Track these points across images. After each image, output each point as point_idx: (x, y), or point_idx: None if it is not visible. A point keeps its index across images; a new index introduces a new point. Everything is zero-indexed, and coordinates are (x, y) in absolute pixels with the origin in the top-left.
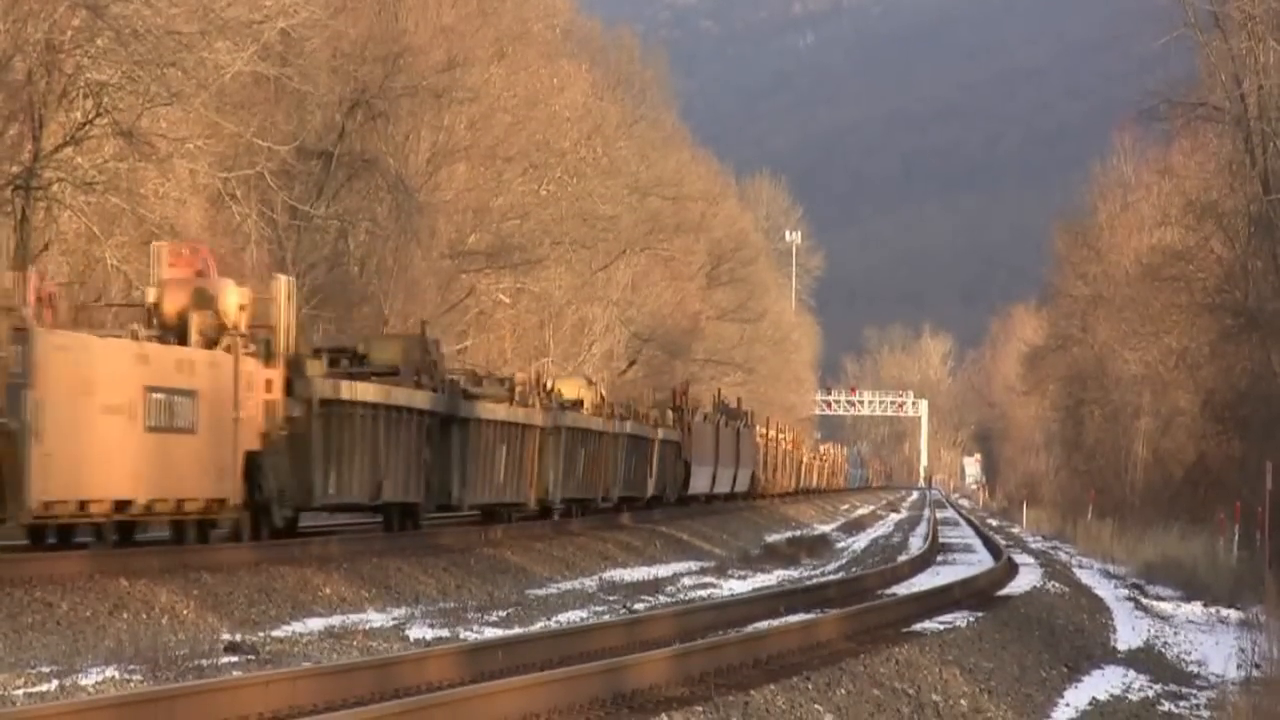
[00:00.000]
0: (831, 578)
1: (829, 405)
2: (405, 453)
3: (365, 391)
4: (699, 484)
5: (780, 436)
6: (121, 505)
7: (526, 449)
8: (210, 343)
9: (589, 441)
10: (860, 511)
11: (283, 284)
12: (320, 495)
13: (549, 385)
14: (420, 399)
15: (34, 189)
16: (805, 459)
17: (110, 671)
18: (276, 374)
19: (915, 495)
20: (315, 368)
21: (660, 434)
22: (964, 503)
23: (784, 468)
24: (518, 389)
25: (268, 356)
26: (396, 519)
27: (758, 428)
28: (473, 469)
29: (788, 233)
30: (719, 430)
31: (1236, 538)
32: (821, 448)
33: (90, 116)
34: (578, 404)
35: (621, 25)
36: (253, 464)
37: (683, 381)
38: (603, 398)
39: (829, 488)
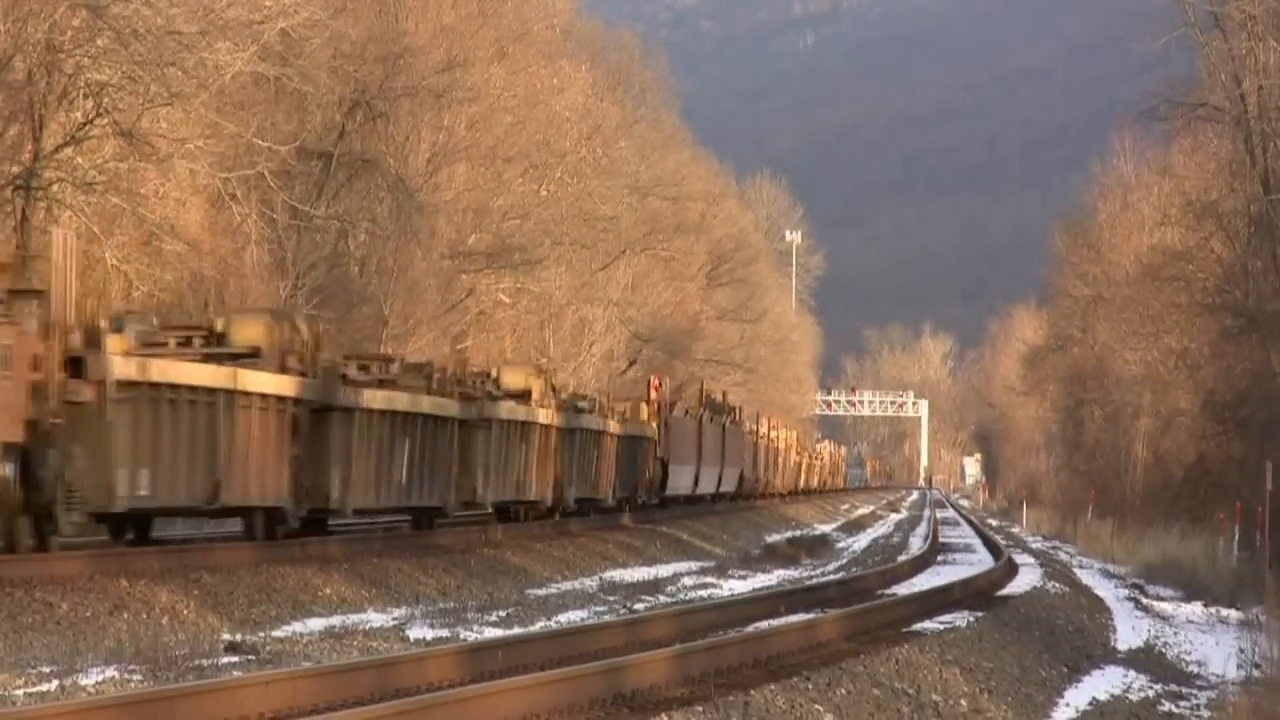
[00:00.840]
0: (832, 578)
1: (829, 406)
2: (262, 447)
3: (195, 374)
4: (678, 484)
5: (773, 433)
6: None
7: (440, 445)
8: None
9: (528, 437)
10: (860, 512)
11: (58, 239)
12: (127, 497)
13: (493, 373)
14: (284, 385)
15: (34, 189)
16: (800, 458)
17: (110, 671)
18: (50, 349)
19: (915, 495)
20: (116, 344)
21: (623, 429)
22: (964, 503)
23: (777, 466)
24: (436, 376)
25: (42, 328)
26: (260, 526)
27: (748, 424)
28: (359, 468)
29: (788, 233)
30: (702, 426)
31: (1236, 538)
32: (818, 446)
33: (90, 117)
34: (524, 394)
35: (622, 26)
36: (24, 459)
37: (658, 372)
38: (553, 388)
39: (826, 488)
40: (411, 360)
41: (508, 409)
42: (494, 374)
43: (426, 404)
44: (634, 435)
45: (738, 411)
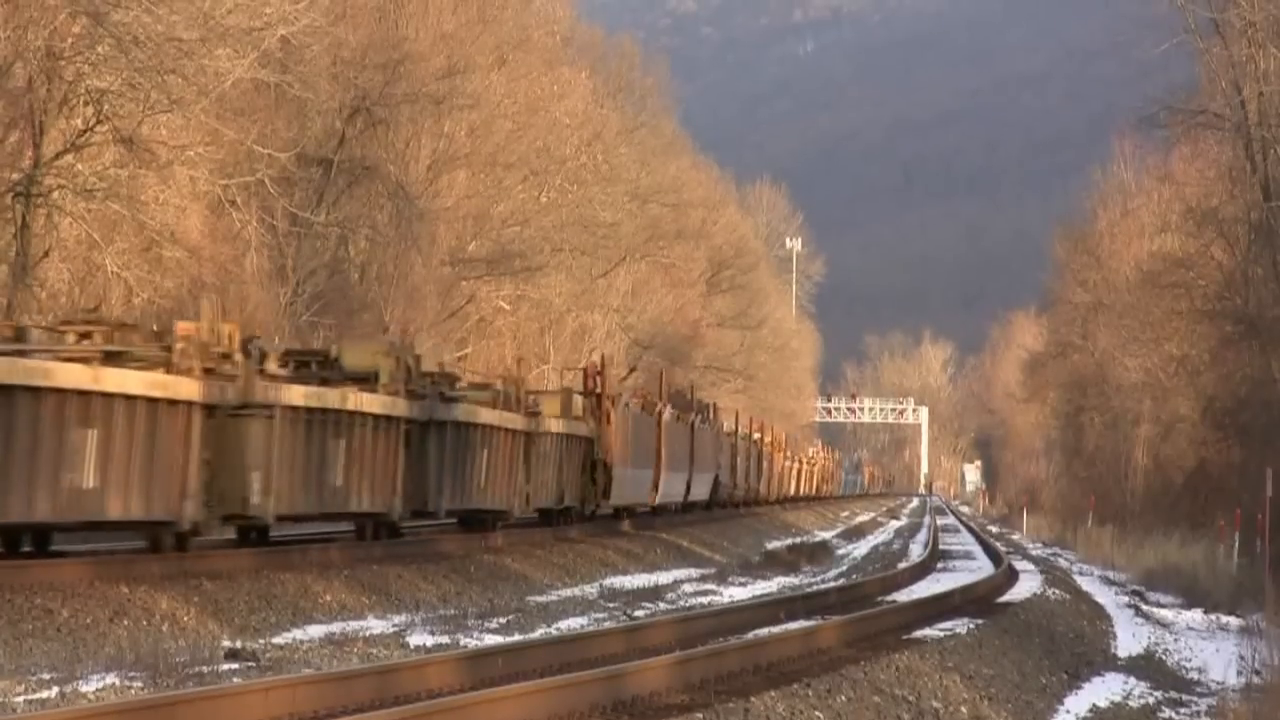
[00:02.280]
0: (832, 584)
1: (829, 412)
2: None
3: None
4: (628, 492)
5: (756, 435)
6: None
7: (173, 439)
8: None
9: (353, 431)
10: (860, 519)
11: None
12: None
13: (332, 351)
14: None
15: (34, 196)
16: (790, 462)
17: (111, 678)
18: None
19: (915, 502)
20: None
21: (533, 424)
22: (964, 509)
23: (762, 472)
24: (178, 346)
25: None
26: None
27: (725, 423)
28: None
29: (788, 239)
30: (662, 424)
31: (1237, 544)
32: (811, 450)
33: (91, 123)
34: (367, 377)
35: (622, 32)
36: None
37: (596, 360)
38: (410, 369)
39: (819, 495)
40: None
41: (305, 394)
42: (333, 352)
43: (164, 387)
44: (557, 433)
45: (712, 410)
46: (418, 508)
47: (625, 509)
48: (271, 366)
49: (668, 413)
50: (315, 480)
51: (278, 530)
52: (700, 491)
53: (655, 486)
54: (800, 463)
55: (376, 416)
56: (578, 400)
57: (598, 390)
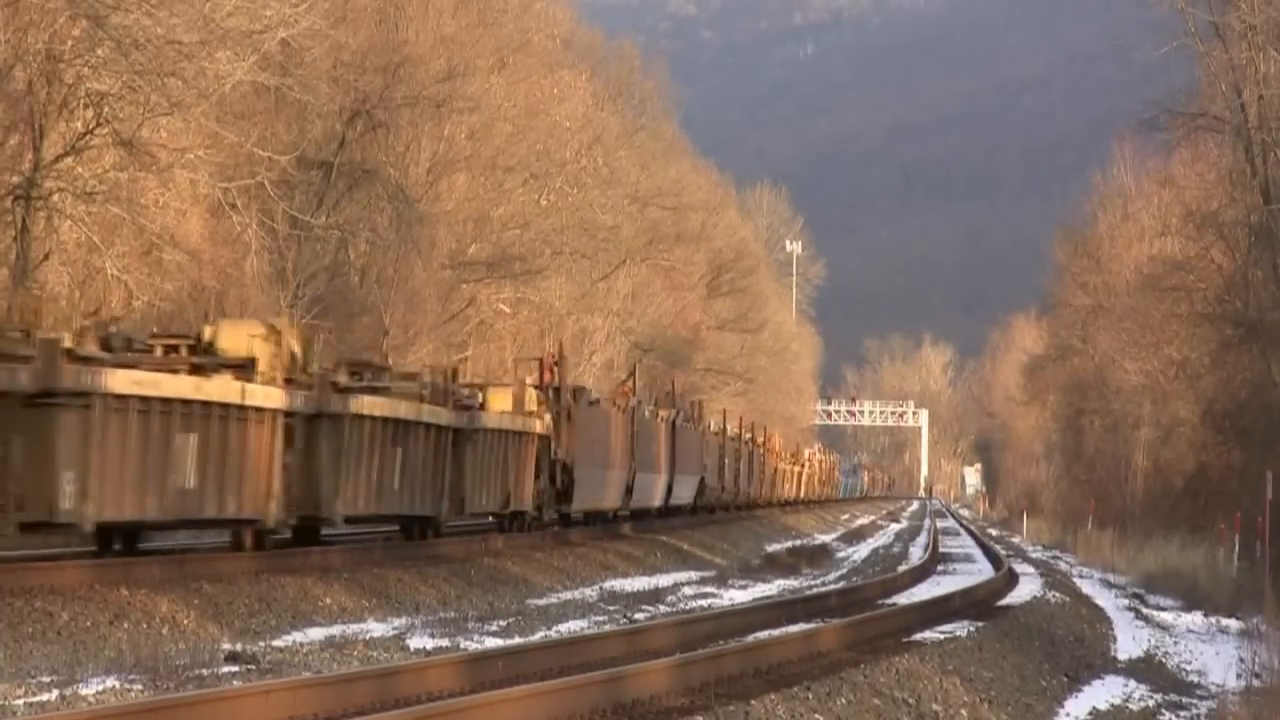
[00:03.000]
0: (832, 587)
1: (830, 415)
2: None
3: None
4: (592, 495)
5: (747, 436)
6: None
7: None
8: None
9: (208, 425)
10: (860, 521)
11: None
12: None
13: (206, 334)
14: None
15: (34, 199)
16: (784, 464)
17: (111, 681)
18: None
19: (915, 505)
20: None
21: (464, 420)
22: (964, 512)
23: (753, 475)
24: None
25: None
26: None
27: (711, 422)
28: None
29: (788, 242)
30: (636, 422)
31: (1237, 547)
32: (807, 452)
33: (91, 126)
34: (245, 364)
35: (622, 36)
36: None
37: (553, 350)
38: (296, 355)
39: (815, 498)
40: None
41: (127, 381)
42: (207, 335)
43: None
44: (499, 430)
45: (696, 408)
46: (308, 513)
47: (595, 514)
48: (90, 348)
49: (640, 410)
50: (155, 481)
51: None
52: (683, 495)
53: (628, 489)
54: (796, 465)
55: (239, 408)
56: (531, 394)
57: (556, 384)
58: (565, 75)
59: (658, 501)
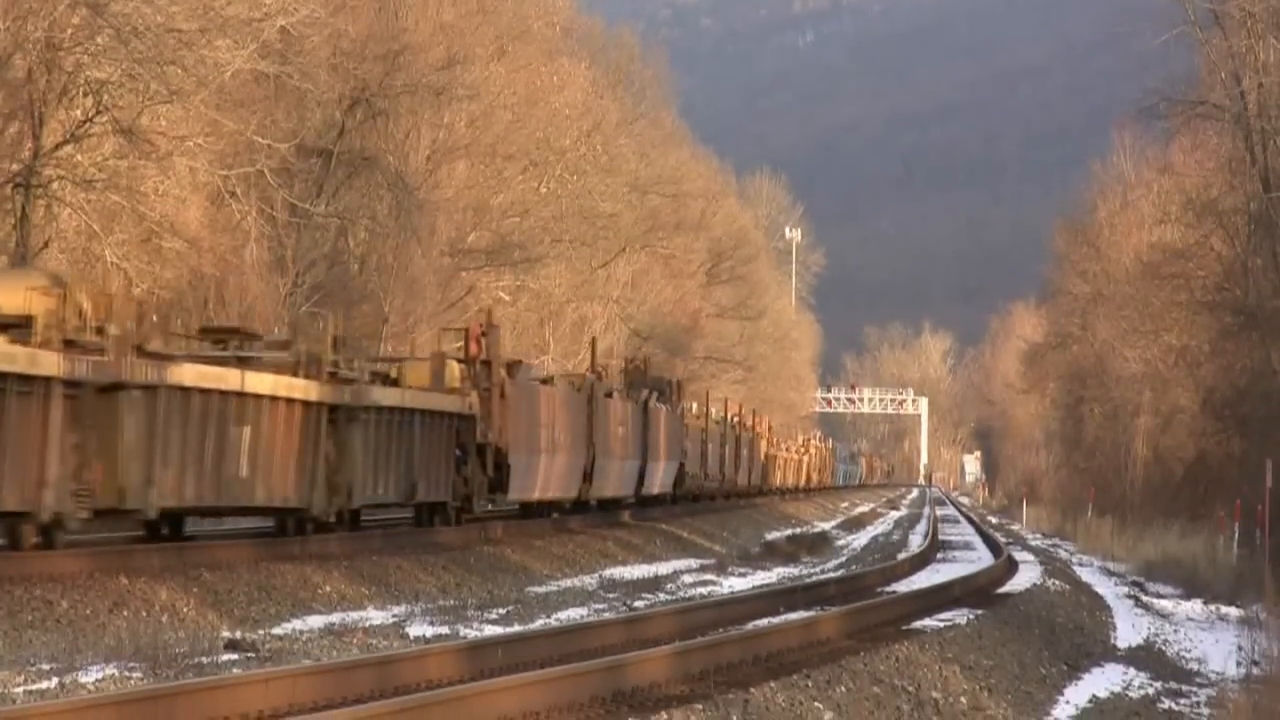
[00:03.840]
0: (831, 575)
1: (829, 403)
2: None
3: None
4: (532, 484)
5: (734, 419)
6: None
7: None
8: None
9: None
10: (860, 509)
11: None
12: None
13: None
14: None
15: (34, 187)
16: (776, 451)
17: (110, 669)
18: None
19: (915, 493)
20: None
21: (342, 395)
22: (964, 500)
23: (741, 461)
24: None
25: None
26: None
27: (694, 405)
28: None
29: (788, 230)
30: (594, 402)
31: (1236, 535)
32: (801, 438)
33: (90, 114)
34: (21, 323)
35: (621, 23)
36: None
37: (477, 317)
38: (86, 313)
39: (810, 486)
40: None
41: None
42: None
43: None
44: (399, 407)
45: (674, 389)
46: (110, 505)
47: (546, 505)
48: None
49: (598, 388)
50: None
51: None
52: (658, 483)
53: (586, 477)
54: (789, 451)
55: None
56: (453, 368)
57: (484, 357)
58: (565, 63)
59: (626, 490)
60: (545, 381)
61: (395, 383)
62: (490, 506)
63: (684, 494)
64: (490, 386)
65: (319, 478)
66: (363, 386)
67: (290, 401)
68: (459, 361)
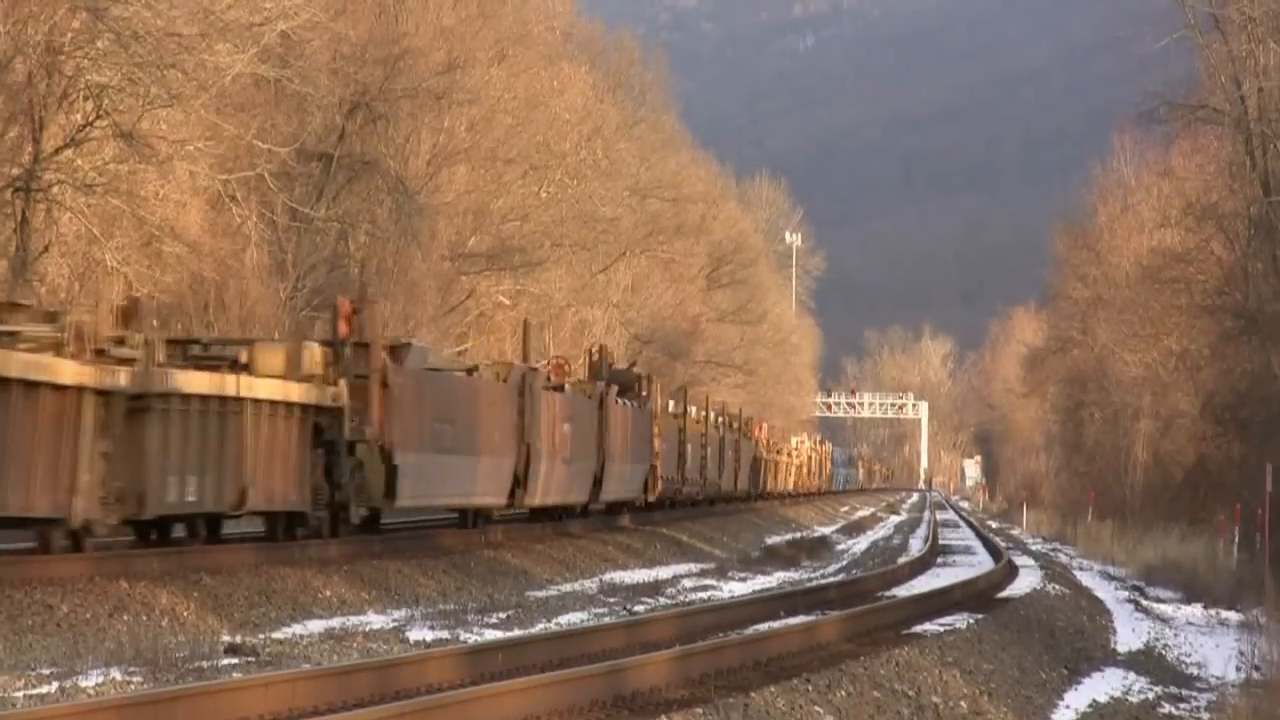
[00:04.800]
0: (832, 579)
1: (829, 407)
2: None
3: None
4: (426, 490)
5: (716, 419)
6: None
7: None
8: None
9: None
10: (860, 514)
11: None
12: None
13: None
14: None
15: (34, 191)
16: (767, 454)
17: (111, 673)
18: None
19: (915, 497)
20: None
21: (82, 378)
22: (964, 504)
23: (724, 465)
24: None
25: None
26: None
27: (670, 403)
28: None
29: (788, 234)
30: (528, 396)
31: (1237, 539)
32: (794, 439)
33: (90, 118)
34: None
35: (622, 27)
36: None
37: (352, 296)
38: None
39: (802, 491)
40: None
41: None
42: None
43: None
44: (220, 396)
45: (643, 383)
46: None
47: (461, 510)
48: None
49: (529, 381)
50: None
51: None
52: (621, 488)
53: (517, 480)
54: (781, 455)
55: None
56: (315, 352)
57: (358, 339)
58: (565, 67)
59: (575, 497)
60: (471, 371)
61: (245, 368)
62: (365, 513)
63: (655, 502)
64: (367, 374)
65: (88, 481)
66: (154, 370)
67: (49, 388)
68: (324, 345)
